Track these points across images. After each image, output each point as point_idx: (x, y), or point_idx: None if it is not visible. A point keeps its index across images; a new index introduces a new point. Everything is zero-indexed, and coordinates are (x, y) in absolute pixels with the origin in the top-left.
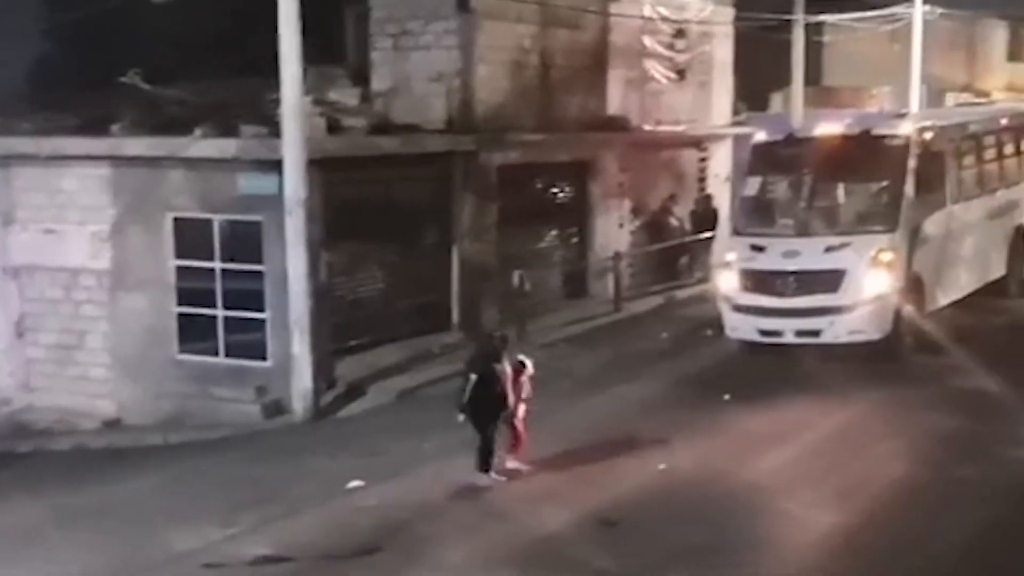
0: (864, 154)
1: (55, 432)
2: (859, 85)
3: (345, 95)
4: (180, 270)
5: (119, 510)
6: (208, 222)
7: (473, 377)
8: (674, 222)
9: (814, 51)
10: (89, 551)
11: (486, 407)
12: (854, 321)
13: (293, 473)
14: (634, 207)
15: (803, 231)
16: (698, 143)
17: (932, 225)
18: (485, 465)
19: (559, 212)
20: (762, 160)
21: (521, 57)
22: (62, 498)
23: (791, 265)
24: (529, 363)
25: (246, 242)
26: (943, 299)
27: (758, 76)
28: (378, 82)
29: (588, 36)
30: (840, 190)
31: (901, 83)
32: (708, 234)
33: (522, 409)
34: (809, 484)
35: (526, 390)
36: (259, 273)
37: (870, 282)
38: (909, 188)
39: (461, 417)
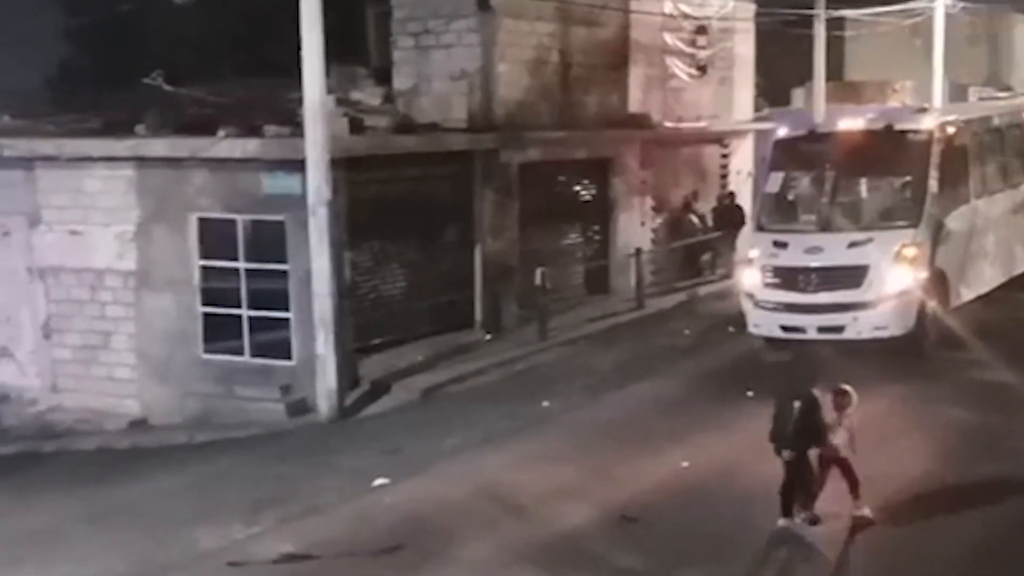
0: (887, 149)
1: (81, 432)
2: (881, 80)
3: (367, 94)
4: (205, 270)
5: (144, 509)
6: (232, 222)
7: (797, 405)
8: (696, 219)
9: (835, 46)
10: (114, 550)
11: (803, 441)
12: (877, 317)
13: (317, 471)
14: (656, 204)
15: (826, 227)
16: (720, 139)
17: (955, 220)
18: (808, 504)
19: (581, 209)
20: (784, 156)
21: (542, 55)
22: (88, 497)
23: (814, 261)
24: (852, 391)
25: (270, 242)
26: (967, 294)
27: (779, 71)
28: (400, 81)
29: (609, 33)
30: (863, 185)
31: (923, 77)
32: (732, 231)
33: (845, 444)
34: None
35: (851, 422)
36: (283, 273)
37: (893, 278)
38: (932, 183)
39: (787, 454)
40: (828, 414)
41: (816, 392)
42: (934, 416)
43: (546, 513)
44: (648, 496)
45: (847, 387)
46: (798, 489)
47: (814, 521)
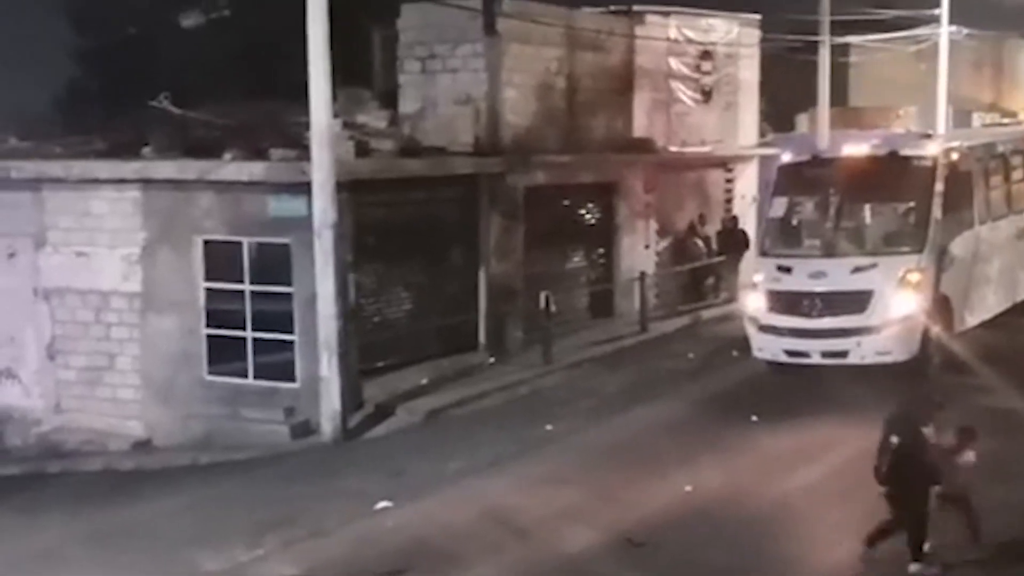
0: (891, 175)
1: (85, 453)
2: (885, 105)
3: (373, 117)
4: (209, 292)
5: (148, 530)
6: (238, 244)
7: (894, 440)
8: (700, 243)
9: (840, 72)
10: (117, 571)
11: (910, 481)
12: (881, 342)
13: (321, 494)
14: (660, 228)
15: (830, 252)
16: (724, 164)
17: (959, 245)
18: (917, 552)
19: (585, 233)
20: (788, 181)
21: (547, 79)
22: (91, 518)
23: (818, 286)
24: (976, 432)
25: (275, 264)
26: (971, 320)
27: (784, 97)
28: (406, 104)
29: (614, 58)
30: (867, 211)
31: (927, 103)
32: (736, 255)
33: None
34: (836, 505)
35: (969, 462)
36: (288, 295)
37: (897, 303)
38: (936, 209)
39: (883, 489)
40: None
41: (925, 431)
42: None
43: (551, 536)
44: (654, 519)
45: (971, 425)
46: (913, 533)
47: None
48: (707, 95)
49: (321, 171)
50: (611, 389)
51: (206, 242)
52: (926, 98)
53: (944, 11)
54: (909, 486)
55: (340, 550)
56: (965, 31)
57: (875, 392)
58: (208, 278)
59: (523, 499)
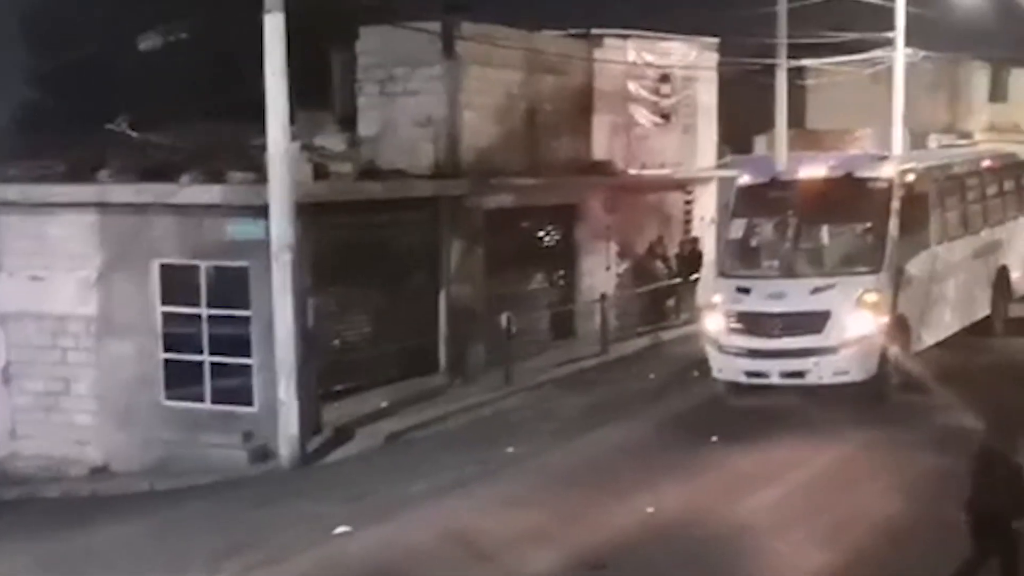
0: (848, 196)
1: (41, 479)
2: (842, 128)
3: (332, 140)
4: (167, 316)
5: (105, 557)
6: (195, 268)
7: (999, 473)
8: (660, 264)
9: (797, 94)
10: None
11: (994, 512)
12: (839, 362)
13: (280, 518)
14: (620, 249)
15: (788, 273)
16: (683, 186)
17: (916, 266)
18: None
19: (546, 255)
20: (747, 202)
21: (508, 102)
22: (48, 545)
23: (776, 307)
24: None
25: (233, 287)
26: (928, 339)
27: (742, 119)
28: (365, 127)
29: (574, 81)
30: (824, 232)
31: (884, 125)
32: (694, 276)
33: None
34: (798, 524)
35: None
36: (246, 318)
37: (855, 323)
38: (893, 229)
39: (964, 517)
40: None
41: (1012, 459)
42: (901, 460)
43: (513, 559)
44: (616, 541)
45: None
46: (968, 567)
47: None
48: (666, 118)
49: (279, 194)
50: (572, 411)
51: (163, 266)
52: (883, 120)
53: (899, 34)
54: (990, 520)
55: (300, 575)
56: (921, 53)
57: (833, 412)
58: (165, 302)
59: (485, 522)
